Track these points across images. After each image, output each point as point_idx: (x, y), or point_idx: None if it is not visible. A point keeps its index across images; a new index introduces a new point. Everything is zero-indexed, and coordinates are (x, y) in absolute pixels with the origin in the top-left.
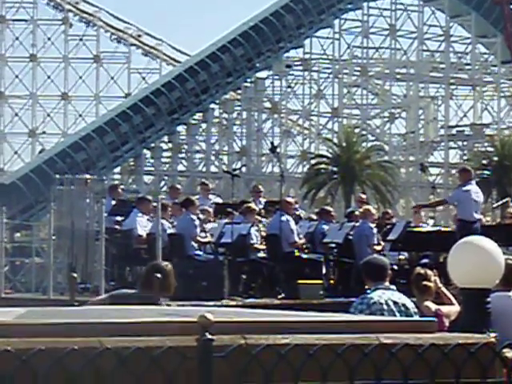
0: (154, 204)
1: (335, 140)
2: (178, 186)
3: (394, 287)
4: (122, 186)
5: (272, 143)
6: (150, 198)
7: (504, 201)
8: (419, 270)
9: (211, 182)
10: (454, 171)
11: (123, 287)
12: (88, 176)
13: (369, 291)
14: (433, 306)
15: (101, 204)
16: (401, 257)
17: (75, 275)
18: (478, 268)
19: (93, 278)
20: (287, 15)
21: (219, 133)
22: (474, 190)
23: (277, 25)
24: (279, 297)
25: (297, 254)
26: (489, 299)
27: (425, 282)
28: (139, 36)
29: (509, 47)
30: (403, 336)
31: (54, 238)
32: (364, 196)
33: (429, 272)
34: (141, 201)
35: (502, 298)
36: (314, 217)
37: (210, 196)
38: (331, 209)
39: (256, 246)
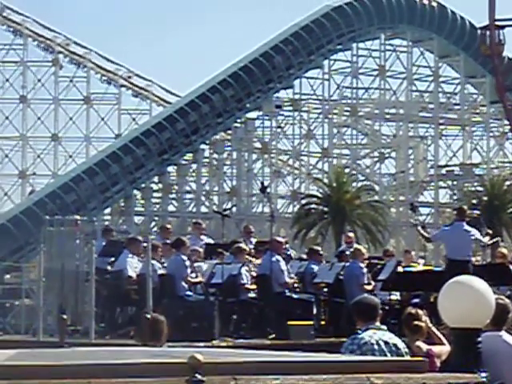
0: (145, 244)
1: (325, 180)
2: (169, 227)
3: (384, 327)
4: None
5: (262, 183)
6: (140, 238)
7: (494, 240)
8: (410, 309)
9: (201, 222)
10: (445, 210)
11: (113, 328)
12: (78, 217)
13: (359, 331)
14: (424, 346)
15: (91, 245)
16: (392, 297)
17: (65, 317)
18: (469, 308)
19: (83, 320)
20: (277, 56)
21: (209, 173)
22: (465, 229)
23: (266, 65)
24: (270, 337)
25: (287, 294)
26: (479, 339)
27: (416, 322)
28: (129, 77)
29: (501, 99)
30: (394, 376)
31: (43, 279)
32: (352, 235)
33: (420, 312)
34: (131, 241)
35: (492, 338)
36: (305, 257)
37: (203, 236)
38: (319, 248)
39: (246, 286)
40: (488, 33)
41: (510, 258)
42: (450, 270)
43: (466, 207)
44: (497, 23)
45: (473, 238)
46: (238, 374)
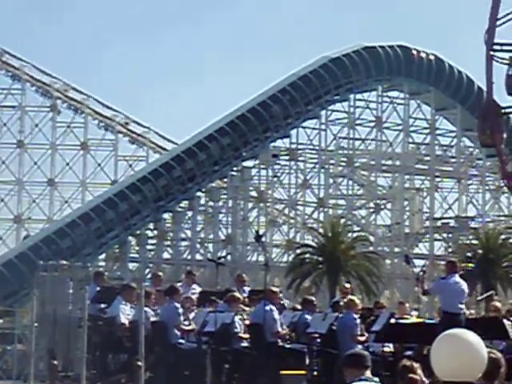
0: (138, 291)
1: (321, 230)
2: (160, 274)
3: (376, 379)
4: (106, 273)
5: (257, 232)
6: (134, 285)
7: (488, 294)
8: (405, 362)
9: (196, 270)
10: (439, 263)
11: (104, 375)
12: (69, 263)
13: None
14: None
15: (84, 291)
16: (385, 349)
17: (56, 362)
18: (461, 361)
19: (74, 366)
20: (274, 105)
21: (205, 221)
22: (457, 282)
23: (264, 115)
24: None
25: (280, 343)
26: None
27: (411, 375)
28: (126, 123)
29: (508, 187)
30: None
31: (36, 324)
32: (348, 286)
33: (415, 365)
34: (124, 288)
35: None
36: (299, 306)
37: (194, 285)
38: (313, 298)
39: (240, 335)
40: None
41: (503, 312)
42: (444, 323)
43: (456, 259)
44: (504, 111)
45: (465, 290)
46: None
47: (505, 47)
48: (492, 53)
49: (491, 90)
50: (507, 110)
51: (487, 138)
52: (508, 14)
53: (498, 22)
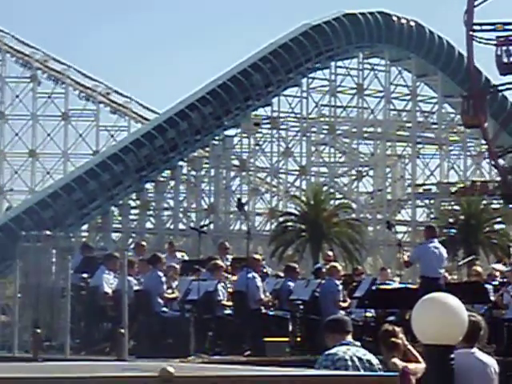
0: (120, 260)
1: (303, 198)
2: (144, 243)
3: (358, 343)
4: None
5: (239, 199)
6: (117, 255)
7: (470, 258)
8: (387, 326)
9: (179, 239)
10: (421, 229)
11: (88, 344)
12: (52, 233)
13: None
14: (400, 364)
15: (67, 261)
16: (367, 314)
17: (39, 331)
18: (441, 324)
19: (58, 336)
20: (255, 74)
21: (187, 190)
22: (436, 247)
23: (245, 83)
24: (245, 354)
25: (263, 310)
26: (452, 356)
27: (393, 339)
28: (108, 94)
29: (496, 166)
30: None
31: (19, 295)
32: (331, 253)
33: (397, 329)
34: (108, 258)
35: (465, 355)
36: (282, 274)
37: (177, 254)
38: (296, 265)
39: (223, 302)
40: (470, 101)
41: (485, 277)
42: (424, 287)
43: (434, 225)
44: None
45: (444, 255)
46: None
47: (484, 27)
48: (472, 33)
49: (474, 72)
50: (501, 88)
51: (470, 119)
52: None
53: (476, 2)
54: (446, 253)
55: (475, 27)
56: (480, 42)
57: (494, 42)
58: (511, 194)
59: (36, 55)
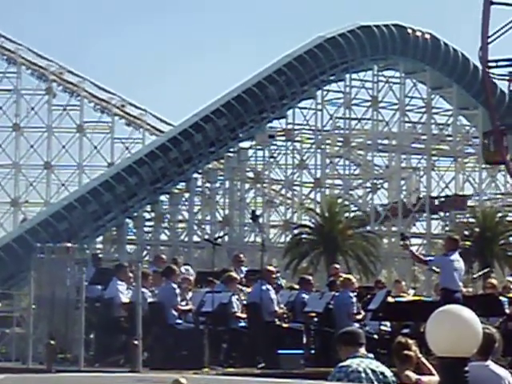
0: (134, 272)
1: (318, 210)
2: (163, 256)
3: (371, 355)
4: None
5: (253, 212)
6: (126, 264)
7: (485, 271)
8: (400, 339)
9: (193, 251)
10: (437, 241)
11: (103, 356)
12: (69, 244)
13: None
14: (413, 376)
15: (81, 273)
16: (382, 327)
17: (53, 343)
18: (456, 337)
19: (72, 348)
20: (270, 86)
21: (202, 202)
22: (457, 260)
23: (260, 95)
24: (259, 366)
25: (277, 323)
26: (467, 368)
27: (406, 352)
28: (123, 106)
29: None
30: None
31: (34, 307)
32: (337, 266)
33: (410, 341)
34: (119, 268)
35: (479, 368)
36: (296, 286)
37: (186, 266)
38: (310, 277)
39: (237, 314)
40: (491, 137)
41: (500, 289)
42: (444, 299)
43: (458, 237)
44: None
45: (463, 268)
46: None
47: (500, 63)
48: (487, 69)
49: (494, 111)
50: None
51: (491, 156)
52: (498, 31)
53: (490, 40)
54: None
55: (490, 63)
56: (494, 79)
57: (508, 78)
58: None
59: (51, 67)
